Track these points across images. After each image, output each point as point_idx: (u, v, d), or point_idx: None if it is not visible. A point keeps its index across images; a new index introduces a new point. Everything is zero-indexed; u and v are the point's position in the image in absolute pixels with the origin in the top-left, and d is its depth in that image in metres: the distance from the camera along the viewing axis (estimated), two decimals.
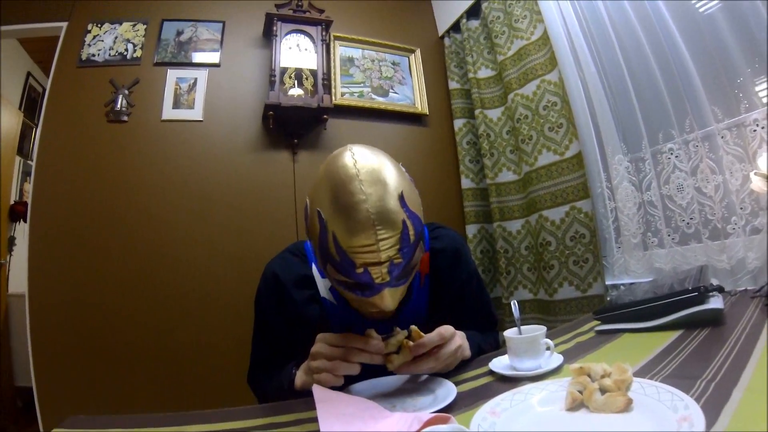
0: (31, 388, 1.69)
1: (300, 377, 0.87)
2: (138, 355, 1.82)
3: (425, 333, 0.80)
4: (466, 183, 2.55)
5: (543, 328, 0.84)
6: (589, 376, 0.61)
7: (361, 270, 0.73)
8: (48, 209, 1.84)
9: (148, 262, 1.91)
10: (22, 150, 3.67)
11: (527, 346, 0.81)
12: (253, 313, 1.06)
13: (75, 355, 1.74)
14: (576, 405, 0.58)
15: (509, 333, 0.85)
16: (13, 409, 2.71)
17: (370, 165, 0.75)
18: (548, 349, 0.83)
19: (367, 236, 0.71)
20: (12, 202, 3.46)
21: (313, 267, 1.00)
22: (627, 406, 0.54)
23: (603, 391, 0.57)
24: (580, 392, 0.59)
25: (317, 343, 0.80)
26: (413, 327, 0.79)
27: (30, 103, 3.79)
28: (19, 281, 2.68)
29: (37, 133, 1.94)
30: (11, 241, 3.43)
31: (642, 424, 0.51)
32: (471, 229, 2.46)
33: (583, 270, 1.90)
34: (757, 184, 1.38)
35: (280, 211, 2.16)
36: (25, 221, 1.88)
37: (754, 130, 1.41)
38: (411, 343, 0.78)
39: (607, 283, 1.84)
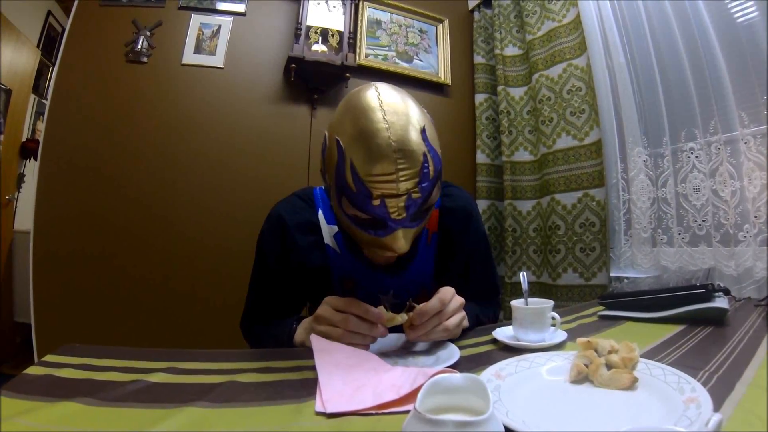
0: (30, 324, 1.71)
1: (300, 334, 0.87)
2: (140, 297, 1.84)
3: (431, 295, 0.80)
4: (481, 158, 2.53)
5: (550, 302, 0.84)
6: (596, 351, 0.62)
7: (377, 202, 0.70)
8: (59, 147, 1.82)
9: (157, 205, 1.91)
10: (38, 88, 3.63)
11: (533, 317, 0.82)
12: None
13: (75, 293, 1.76)
14: (580, 378, 0.59)
15: (516, 303, 0.86)
16: (11, 345, 2.76)
17: (394, 99, 0.73)
18: (554, 324, 0.84)
19: (386, 165, 0.69)
20: (24, 139, 3.45)
21: (320, 213, 0.98)
22: (632, 384, 0.55)
23: (609, 366, 0.58)
24: (586, 365, 0.60)
25: (322, 305, 0.79)
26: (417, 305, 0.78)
27: (48, 42, 3.71)
28: (25, 218, 2.69)
29: (54, 71, 1.91)
30: (20, 178, 3.42)
31: (647, 402, 0.51)
32: (481, 204, 2.45)
33: (589, 258, 1.91)
34: None
35: (294, 164, 2.15)
36: (35, 159, 1.86)
37: None
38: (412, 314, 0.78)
39: (612, 274, 1.85)
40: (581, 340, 0.65)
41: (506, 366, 0.63)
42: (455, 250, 1.02)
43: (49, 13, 3.76)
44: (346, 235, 0.96)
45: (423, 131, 0.73)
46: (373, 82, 0.77)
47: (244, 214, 1.97)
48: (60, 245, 1.77)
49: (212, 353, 0.79)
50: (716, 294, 0.98)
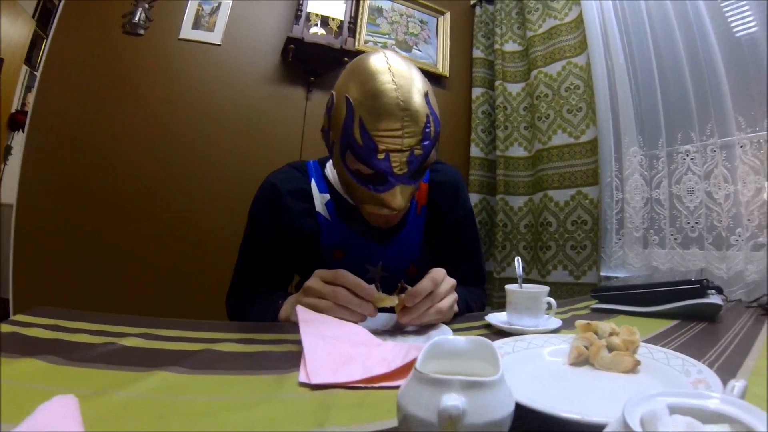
0: (8, 299, 1.64)
1: (286, 310, 0.85)
2: (124, 275, 1.78)
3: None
4: (475, 151, 2.50)
5: (546, 288, 0.82)
6: (595, 333, 0.60)
7: (382, 155, 0.75)
8: (48, 118, 1.75)
9: (146, 180, 1.85)
10: (30, 60, 3.50)
11: (528, 302, 0.79)
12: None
13: (57, 268, 1.70)
14: (580, 360, 0.57)
15: (511, 287, 0.84)
16: None
17: (400, 65, 0.78)
18: (549, 311, 0.81)
19: (393, 121, 0.73)
20: (13, 111, 3.35)
21: (312, 182, 1.00)
22: (634, 367, 0.53)
23: (610, 349, 0.56)
24: (586, 348, 0.57)
25: (312, 277, 0.78)
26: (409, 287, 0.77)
27: (44, 13, 3.54)
28: (11, 192, 2.61)
29: (48, 42, 1.84)
30: (7, 150, 3.32)
31: (651, 385, 0.49)
32: (473, 198, 2.41)
33: (580, 256, 1.89)
34: None
35: (287, 146, 2.10)
36: (23, 131, 1.80)
37: None
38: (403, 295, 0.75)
39: (602, 273, 1.84)
40: (580, 322, 0.62)
41: (503, 345, 0.60)
42: (443, 220, 1.05)
43: None
44: (338, 202, 0.98)
45: (426, 95, 0.78)
46: (380, 48, 0.81)
47: (234, 193, 1.92)
48: (43, 219, 1.70)
49: (190, 322, 0.76)
50: (710, 291, 0.97)
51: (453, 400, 0.29)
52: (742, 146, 1.46)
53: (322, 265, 0.82)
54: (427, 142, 0.77)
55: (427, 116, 0.76)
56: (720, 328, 0.86)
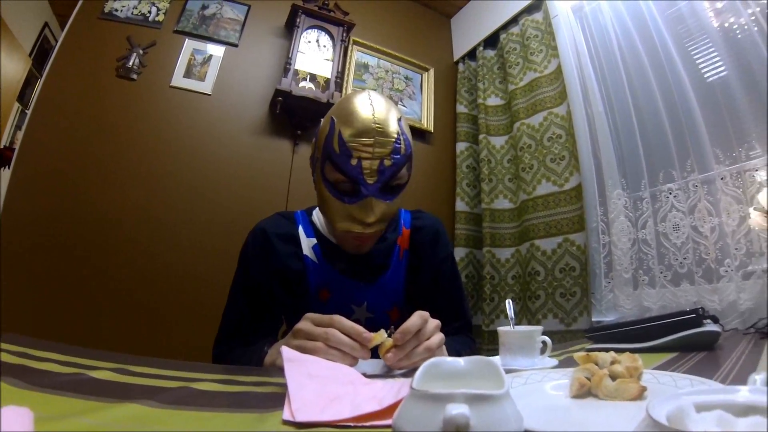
0: None
1: (271, 355, 0.82)
2: (100, 317, 1.69)
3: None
4: (460, 206, 2.52)
5: (540, 327, 0.80)
6: (596, 364, 0.57)
7: (355, 162, 0.85)
8: (35, 157, 1.74)
9: (131, 224, 1.82)
10: (23, 98, 3.49)
11: (523, 341, 0.77)
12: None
13: (31, 306, 1.60)
14: (583, 392, 0.54)
15: (503, 328, 0.81)
16: None
17: (378, 96, 0.91)
18: (543, 350, 0.78)
19: (367, 135, 0.85)
20: (1, 147, 3.33)
21: (300, 228, 1.05)
22: (641, 394, 0.50)
23: (613, 378, 0.53)
24: (588, 379, 0.54)
25: (303, 320, 0.76)
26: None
27: (40, 54, 3.57)
28: None
29: (41, 82, 1.86)
30: None
31: None
32: (459, 252, 2.41)
33: (570, 303, 1.87)
34: (756, 220, 1.37)
35: (273, 198, 2.09)
36: (9, 168, 1.78)
37: (753, 176, 1.44)
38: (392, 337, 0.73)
39: (593, 319, 1.81)
40: (579, 354, 0.60)
41: None
42: (423, 264, 1.09)
43: (46, 24, 3.65)
44: (324, 245, 1.03)
45: (399, 120, 0.90)
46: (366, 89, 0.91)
47: (219, 239, 1.90)
48: (22, 255, 1.63)
49: (168, 362, 0.71)
50: (705, 320, 0.95)
51: (459, 408, 0.26)
52: (722, 178, 1.51)
53: (309, 305, 0.85)
54: (397, 156, 0.87)
55: (398, 134, 0.87)
56: (720, 355, 0.85)
